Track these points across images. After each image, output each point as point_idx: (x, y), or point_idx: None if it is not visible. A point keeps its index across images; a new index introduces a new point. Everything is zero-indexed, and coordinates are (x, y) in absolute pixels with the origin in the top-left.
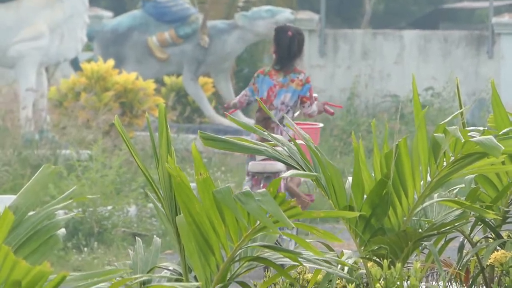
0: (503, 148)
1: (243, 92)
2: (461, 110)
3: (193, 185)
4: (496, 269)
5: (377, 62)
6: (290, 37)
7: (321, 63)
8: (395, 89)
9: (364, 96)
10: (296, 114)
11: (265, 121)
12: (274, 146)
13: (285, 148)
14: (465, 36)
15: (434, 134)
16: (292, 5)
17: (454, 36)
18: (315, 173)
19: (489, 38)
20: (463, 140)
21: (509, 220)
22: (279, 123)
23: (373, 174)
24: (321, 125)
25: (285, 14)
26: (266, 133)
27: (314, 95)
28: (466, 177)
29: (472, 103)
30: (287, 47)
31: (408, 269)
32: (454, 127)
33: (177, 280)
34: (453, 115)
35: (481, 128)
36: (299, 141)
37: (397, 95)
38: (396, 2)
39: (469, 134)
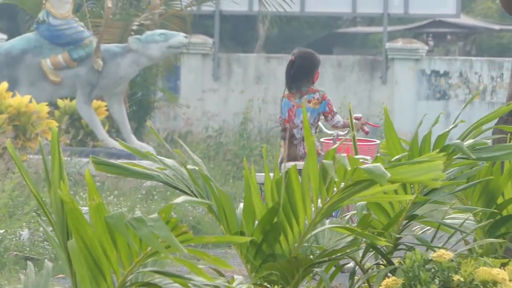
0: (390, 176)
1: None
2: (351, 134)
3: (86, 208)
4: None
5: (270, 86)
6: (291, 61)
7: (215, 87)
8: None
9: (257, 121)
10: (318, 129)
11: (289, 139)
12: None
13: (176, 172)
14: (359, 61)
15: (323, 161)
16: (186, 29)
17: (348, 60)
18: (207, 201)
19: (382, 63)
20: (349, 168)
21: (400, 247)
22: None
23: (264, 200)
24: (378, 142)
25: (178, 38)
26: (157, 158)
27: (358, 115)
28: (358, 203)
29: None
30: (288, 71)
31: None
32: (342, 154)
33: None
34: (342, 140)
35: (369, 157)
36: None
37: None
38: (290, 26)
39: (361, 160)
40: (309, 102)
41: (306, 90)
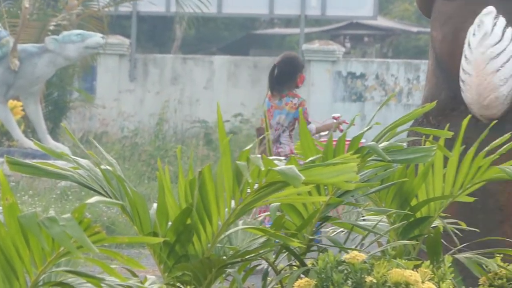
0: (303, 178)
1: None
2: (265, 134)
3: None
4: None
5: (186, 87)
6: (274, 66)
7: (131, 87)
8: (204, 114)
9: (173, 122)
10: (293, 133)
11: (262, 139)
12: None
13: (90, 173)
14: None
15: (237, 161)
16: (103, 30)
17: (264, 62)
18: (120, 202)
19: None
20: (263, 169)
21: (313, 248)
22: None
23: (178, 201)
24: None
25: (95, 39)
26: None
27: (337, 114)
28: (272, 204)
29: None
30: (271, 74)
31: None
32: (256, 155)
33: None
34: (254, 142)
35: (282, 158)
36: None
37: (206, 120)
38: (207, 27)
39: (275, 161)
40: (286, 104)
41: (286, 93)
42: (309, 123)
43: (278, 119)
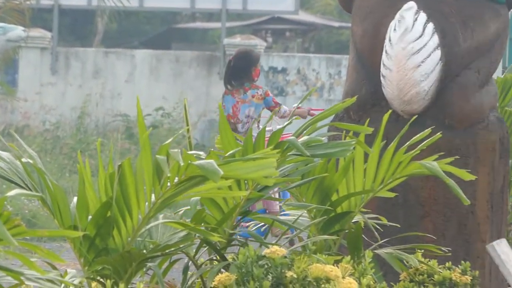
0: (222, 172)
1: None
2: (185, 129)
3: None
4: None
5: (108, 81)
6: (229, 61)
7: (53, 80)
8: (125, 108)
9: (95, 115)
10: (260, 124)
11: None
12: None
13: (11, 166)
14: (197, 57)
15: (157, 156)
16: (25, 23)
17: (186, 56)
18: (39, 194)
19: (220, 59)
20: (182, 163)
21: (234, 242)
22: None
23: (98, 194)
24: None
25: (17, 32)
26: None
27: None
28: (192, 199)
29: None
30: (226, 71)
31: None
32: (175, 150)
33: None
34: (174, 136)
35: (201, 152)
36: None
37: (127, 114)
38: (129, 21)
39: (195, 156)
40: (253, 97)
41: (250, 86)
42: (280, 104)
43: (247, 112)
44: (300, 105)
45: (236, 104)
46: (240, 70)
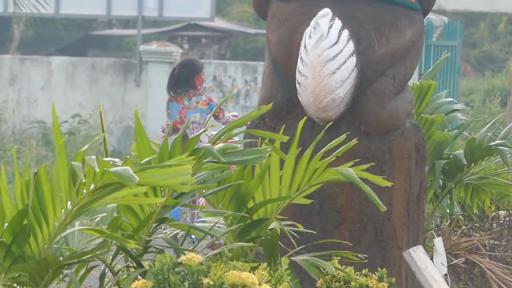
0: (138, 179)
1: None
2: (101, 135)
3: None
4: None
5: (24, 88)
6: (173, 69)
7: None
8: (42, 115)
9: (11, 122)
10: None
11: (184, 139)
12: None
13: None
14: (113, 63)
15: (72, 162)
16: None
17: (102, 63)
18: None
19: (136, 66)
20: (97, 170)
21: (150, 249)
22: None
23: (15, 202)
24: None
25: None
26: None
27: (235, 113)
28: (108, 206)
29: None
30: (169, 78)
31: None
32: (91, 157)
33: None
34: (90, 143)
35: (117, 159)
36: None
37: (44, 121)
38: (46, 27)
39: (111, 163)
40: (197, 103)
41: (194, 93)
42: (224, 111)
43: (193, 119)
44: (220, 111)
45: (182, 110)
46: (184, 78)
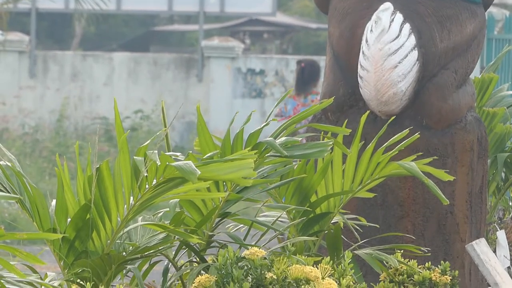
0: (199, 173)
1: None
2: (163, 130)
3: None
4: None
5: (87, 84)
6: (300, 68)
7: (31, 84)
8: (104, 111)
9: (74, 118)
10: None
11: None
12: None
13: None
14: (175, 59)
15: (134, 157)
16: (2, 27)
17: (164, 58)
18: (18, 196)
19: (198, 61)
20: (159, 164)
21: (213, 244)
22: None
23: (77, 197)
24: None
25: None
26: None
27: None
28: (171, 201)
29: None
30: (296, 76)
31: None
32: (153, 151)
33: None
34: (152, 138)
35: (179, 153)
36: None
37: (106, 117)
38: (107, 24)
39: (173, 157)
40: (312, 101)
41: (310, 91)
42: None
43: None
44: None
45: (296, 107)
46: (308, 78)
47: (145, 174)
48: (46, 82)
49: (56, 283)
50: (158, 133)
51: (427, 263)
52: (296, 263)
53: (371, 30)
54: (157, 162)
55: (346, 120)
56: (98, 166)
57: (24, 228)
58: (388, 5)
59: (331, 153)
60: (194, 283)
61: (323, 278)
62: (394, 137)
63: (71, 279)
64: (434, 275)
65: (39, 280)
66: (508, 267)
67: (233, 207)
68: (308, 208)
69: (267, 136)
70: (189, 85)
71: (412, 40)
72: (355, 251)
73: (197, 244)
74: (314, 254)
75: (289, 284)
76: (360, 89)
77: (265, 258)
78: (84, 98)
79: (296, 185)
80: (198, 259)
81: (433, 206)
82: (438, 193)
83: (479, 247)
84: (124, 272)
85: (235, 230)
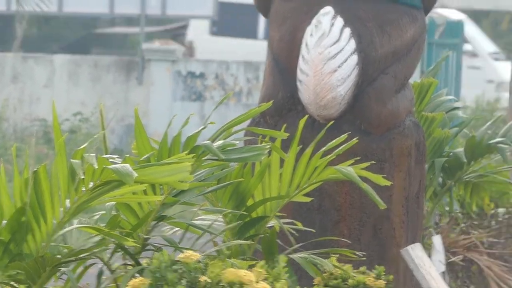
0: (136, 175)
1: None
2: (100, 133)
3: None
4: None
5: (27, 86)
6: None
7: None
8: (44, 113)
9: (13, 120)
10: None
11: None
12: None
13: None
14: (116, 62)
15: (71, 160)
16: None
17: (104, 61)
18: None
19: (139, 64)
20: (96, 167)
21: (148, 247)
22: None
23: (13, 200)
24: None
25: None
26: None
27: None
28: (107, 204)
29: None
30: None
31: None
32: (91, 154)
33: None
34: (90, 140)
35: (116, 156)
36: None
37: (46, 119)
38: (49, 25)
39: (111, 160)
40: None
41: None
42: None
43: None
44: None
45: None
46: None
47: (82, 177)
48: None
49: None
50: (95, 136)
51: (362, 268)
52: (231, 266)
53: (311, 34)
54: (94, 166)
55: (285, 124)
56: (35, 169)
57: None
58: (328, 9)
59: (268, 157)
60: (128, 286)
61: (257, 282)
62: (332, 142)
63: (5, 281)
64: (369, 279)
65: None
66: (443, 272)
67: (169, 210)
68: (244, 212)
69: (205, 139)
70: (129, 88)
71: (352, 44)
72: (290, 255)
73: (132, 247)
74: (249, 258)
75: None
76: (299, 93)
77: (199, 262)
78: (24, 100)
79: (233, 189)
80: (133, 262)
81: (370, 210)
82: (375, 198)
83: (415, 252)
84: (58, 274)
85: (171, 234)
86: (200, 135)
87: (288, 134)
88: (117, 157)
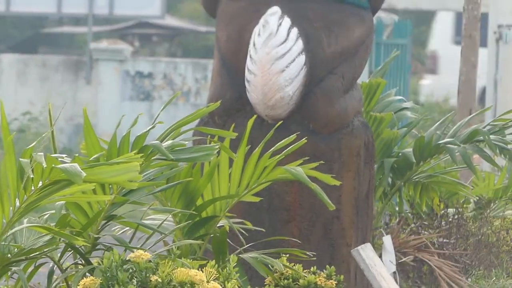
0: (85, 175)
1: None
2: (48, 132)
3: None
4: None
5: None
6: None
7: None
8: None
9: None
10: None
11: None
12: None
13: None
14: (64, 61)
15: (20, 159)
16: None
17: (53, 60)
18: None
19: (87, 63)
20: (45, 166)
21: (99, 247)
22: None
23: None
24: None
25: None
26: None
27: None
28: (57, 203)
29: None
30: None
31: None
32: (40, 153)
33: None
34: (38, 139)
35: (65, 155)
36: None
37: None
38: None
39: (60, 159)
40: None
41: None
42: None
43: None
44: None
45: None
46: None
47: (31, 176)
48: None
49: None
50: (44, 135)
51: (312, 268)
52: (181, 266)
53: (259, 34)
54: (43, 165)
55: (233, 124)
56: None
57: None
58: (276, 9)
59: (217, 157)
60: (79, 285)
61: (208, 282)
62: (281, 142)
63: None
64: (320, 279)
65: None
66: (394, 272)
67: (119, 209)
68: (194, 212)
69: (154, 139)
70: (77, 87)
71: (300, 44)
72: (240, 255)
73: (82, 247)
74: (200, 257)
75: (174, 287)
76: (247, 93)
77: (150, 261)
78: None
79: (182, 188)
80: (83, 262)
81: (319, 211)
82: (324, 198)
83: (365, 252)
84: (9, 274)
85: (121, 233)
86: (148, 134)
87: (236, 134)
88: (66, 157)
